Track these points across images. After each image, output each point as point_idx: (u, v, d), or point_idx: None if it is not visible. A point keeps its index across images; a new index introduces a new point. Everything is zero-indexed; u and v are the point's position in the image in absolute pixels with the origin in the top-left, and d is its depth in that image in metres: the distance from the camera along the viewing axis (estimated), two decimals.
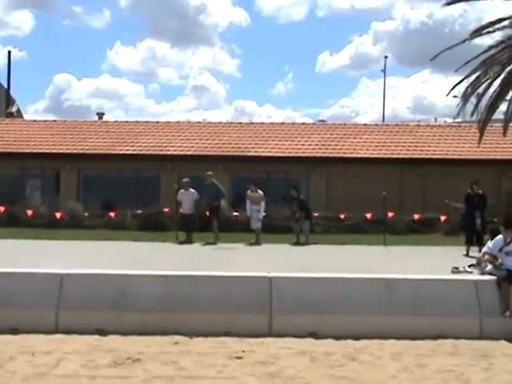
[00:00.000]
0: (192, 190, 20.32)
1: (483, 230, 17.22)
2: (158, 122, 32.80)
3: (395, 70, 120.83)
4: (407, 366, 7.79)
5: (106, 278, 9.66)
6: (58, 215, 24.90)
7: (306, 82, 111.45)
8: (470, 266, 12.88)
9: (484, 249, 11.30)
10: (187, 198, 20.24)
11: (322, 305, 9.37)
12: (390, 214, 22.93)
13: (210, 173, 20.59)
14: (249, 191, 20.48)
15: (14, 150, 28.94)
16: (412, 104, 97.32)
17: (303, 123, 33.68)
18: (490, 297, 9.61)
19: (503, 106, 20.61)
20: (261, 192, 20.46)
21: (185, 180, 20.65)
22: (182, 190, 20.48)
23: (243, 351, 8.16)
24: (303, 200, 21.26)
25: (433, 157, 27.83)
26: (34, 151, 28.71)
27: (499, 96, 19.73)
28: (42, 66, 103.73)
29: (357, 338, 9.00)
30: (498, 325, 9.24)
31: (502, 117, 21.96)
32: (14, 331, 8.80)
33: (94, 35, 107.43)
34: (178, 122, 32.85)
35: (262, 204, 20.42)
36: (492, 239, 11.40)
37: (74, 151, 28.73)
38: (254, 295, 9.43)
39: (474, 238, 17.37)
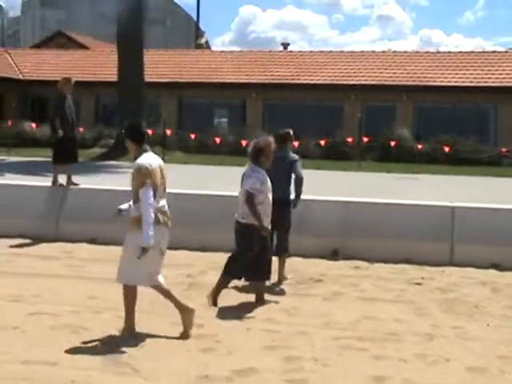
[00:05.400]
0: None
1: None
2: (341, 52, 32.62)
3: None
4: None
5: None
6: (244, 143, 25.73)
7: (499, 9, 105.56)
8: None
9: None
10: None
11: (506, 236, 9.08)
12: None
13: None
14: None
15: (203, 80, 30.05)
16: None
17: (494, 51, 32.09)
18: None
19: None
20: None
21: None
22: None
23: (422, 278, 8.18)
24: None
25: None
26: (222, 81, 29.63)
27: None
28: None
29: None
30: None
31: None
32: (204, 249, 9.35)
33: None
34: (362, 52, 32.44)
35: None
36: None
37: (260, 81, 29.34)
38: (435, 224, 9.31)
39: None
